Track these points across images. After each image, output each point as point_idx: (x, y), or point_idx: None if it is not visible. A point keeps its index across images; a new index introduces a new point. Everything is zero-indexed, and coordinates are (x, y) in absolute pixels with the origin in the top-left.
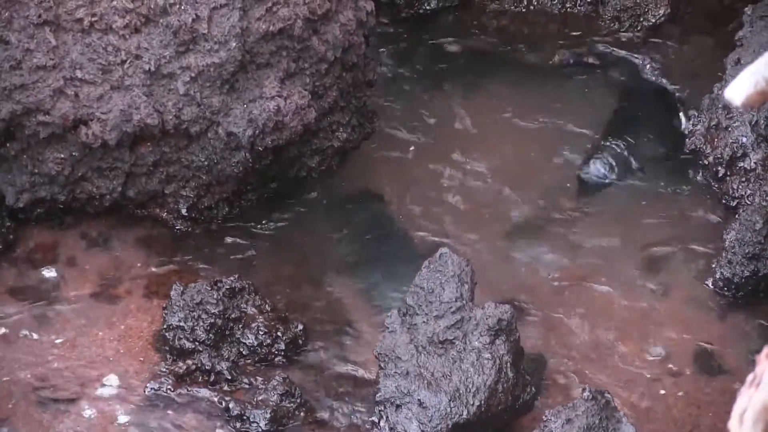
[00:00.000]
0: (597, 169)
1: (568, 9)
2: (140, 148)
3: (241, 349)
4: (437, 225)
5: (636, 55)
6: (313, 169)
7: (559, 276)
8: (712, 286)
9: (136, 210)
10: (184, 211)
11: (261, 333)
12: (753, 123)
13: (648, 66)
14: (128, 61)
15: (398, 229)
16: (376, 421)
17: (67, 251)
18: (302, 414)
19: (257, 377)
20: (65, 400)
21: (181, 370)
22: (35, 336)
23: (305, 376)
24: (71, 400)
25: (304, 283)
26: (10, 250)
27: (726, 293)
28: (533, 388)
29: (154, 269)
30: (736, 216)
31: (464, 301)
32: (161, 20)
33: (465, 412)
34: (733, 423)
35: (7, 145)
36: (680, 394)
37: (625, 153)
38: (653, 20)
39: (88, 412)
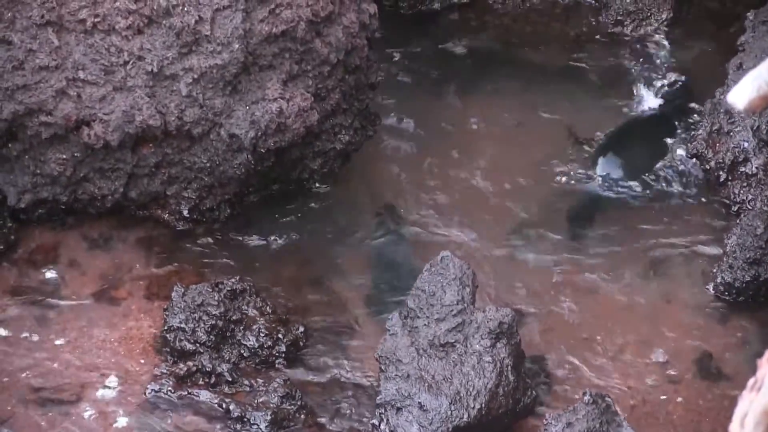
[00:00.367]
0: (603, 169)
1: (571, 11)
2: (142, 149)
3: (242, 351)
4: (439, 227)
5: (638, 59)
6: (315, 171)
7: (560, 280)
8: (713, 291)
9: (138, 211)
10: (185, 213)
11: (262, 335)
12: (755, 128)
13: (650, 69)
14: (131, 62)
15: (400, 230)
16: (377, 423)
17: (68, 252)
18: (303, 416)
19: (258, 379)
20: (65, 402)
21: (181, 372)
22: (36, 337)
23: (306, 378)
24: (71, 402)
25: (305, 285)
26: (12, 251)
27: (727, 298)
28: (534, 392)
29: (155, 270)
30: (738, 221)
31: (465, 304)
32: (164, 21)
33: (466, 415)
34: (734, 427)
35: (9, 145)
36: (681, 398)
37: (628, 155)
38: (656, 24)
39: (89, 413)
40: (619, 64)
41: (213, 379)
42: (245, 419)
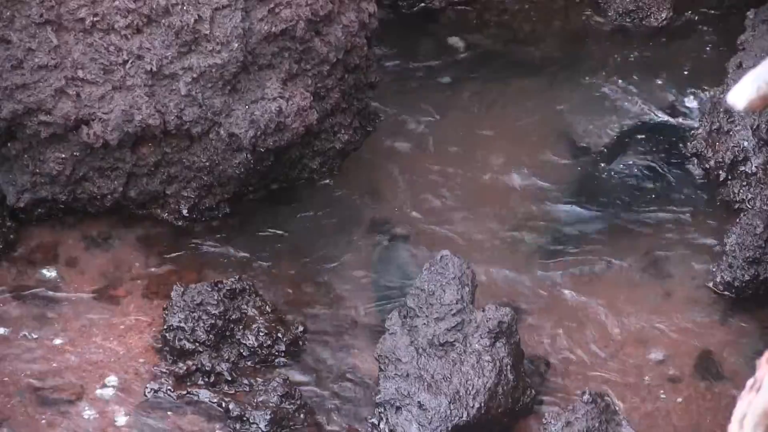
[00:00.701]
0: (617, 167)
1: (571, 9)
2: (142, 148)
3: (242, 350)
4: (440, 224)
5: (637, 57)
6: (314, 171)
7: (560, 278)
8: (712, 290)
9: (137, 210)
10: (185, 212)
11: (261, 334)
12: (754, 127)
13: (650, 68)
14: (130, 62)
15: (400, 228)
16: (376, 423)
17: (67, 251)
18: (302, 415)
19: (257, 378)
20: (65, 401)
21: (181, 371)
22: (35, 336)
23: (305, 378)
24: (71, 401)
25: (305, 283)
26: (11, 250)
27: (726, 297)
28: (533, 391)
29: (154, 269)
30: (737, 220)
31: (465, 304)
32: (163, 20)
33: (465, 415)
34: (733, 427)
35: (9, 144)
36: (680, 398)
37: (630, 153)
38: (655, 23)
39: (88, 412)
40: (618, 62)
41: (212, 379)
42: (245, 418)
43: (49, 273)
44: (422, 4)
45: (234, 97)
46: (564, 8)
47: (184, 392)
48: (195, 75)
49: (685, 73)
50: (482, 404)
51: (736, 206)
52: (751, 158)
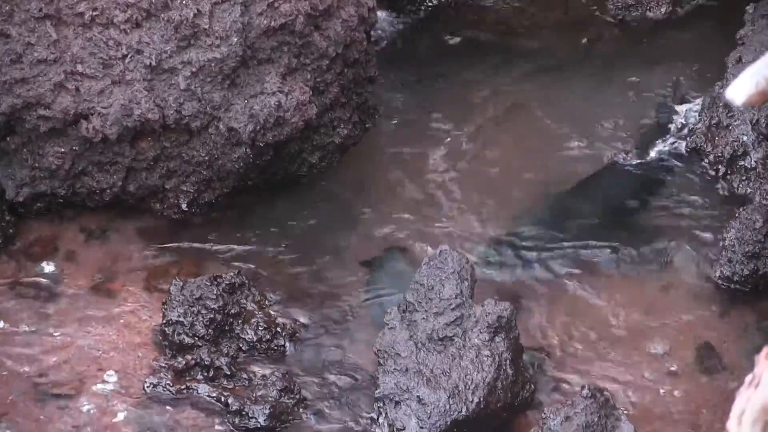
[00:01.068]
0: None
1: (570, 4)
2: (141, 142)
3: (241, 345)
4: (439, 218)
5: (637, 52)
6: (313, 165)
7: (560, 272)
8: (712, 284)
9: (136, 205)
10: (184, 206)
11: (260, 328)
12: (754, 122)
13: (649, 62)
14: (129, 56)
15: (400, 221)
16: (375, 417)
17: (66, 245)
18: (301, 410)
19: (257, 373)
20: (64, 396)
21: (180, 366)
22: (34, 330)
23: (305, 372)
24: (70, 396)
25: (305, 277)
26: (10, 244)
27: (726, 291)
28: (533, 386)
29: (153, 262)
30: (736, 215)
31: (464, 298)
32: (162, 15)
33: (464, 409)
34: (731, 423)
35: (8, 139)
36: (680, 391)
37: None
38: (655, 16)
39: (87, 407)
40: (618, 55)
41: (212, 373)
42: (244, 413)
43: (48, 267)
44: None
45: (233, 91)
46: (564, 1)
47: (183, 387)
48: (194, 69)
49: (684, 67)
50: (481, 399)
51: (735, 201)
52: (751, 153)
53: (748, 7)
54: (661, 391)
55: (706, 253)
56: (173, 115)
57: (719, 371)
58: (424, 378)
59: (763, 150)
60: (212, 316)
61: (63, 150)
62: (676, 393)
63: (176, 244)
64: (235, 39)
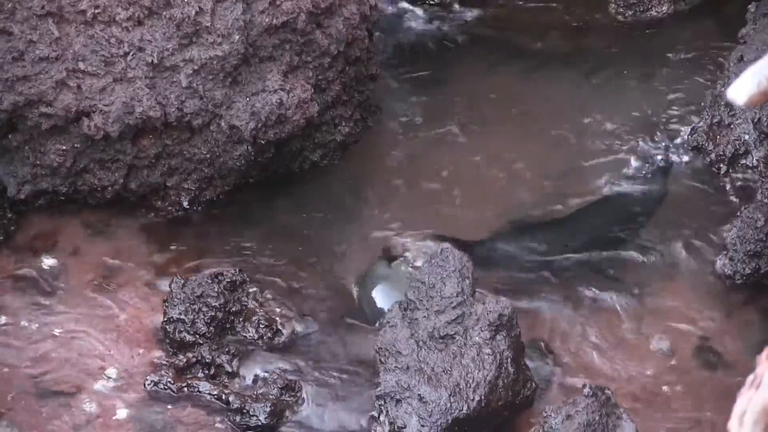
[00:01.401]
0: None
1: (572, 1)
2: (142, 140)
3: (242, 343)
4: (440, 217)
5: (639, 49)
6: (315, 163)
7: (561, 271)
8: (714, 283)
9: (138, 202)
10: (185, 204)
11: (261, 326)
12: (755, 120)
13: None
14: (131, 54)
15: (401, 217)
16: (376, 415)
17: (68, 240)
18: (302, 408)
19: (258, 371)
20: (65, 393)
21: (181, 363)
22: (35, 326)
23: (306, 370)
24: (71, 393)
25: (307, 273)
26: (11, 238)
27: (728, 289)
28: (534, 384)
29: (154, 259)
30: (738, 213)
31: (465, 296)
32: (164, 13)
33: (465, 408)
34: (732, 424)
35: (9, 136)
36: (681, 387)
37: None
38: (656, 14)
39: (88, 405)
40: (619, 54)
41: (212, 371)
42: (245, 411)
43: (50, 262)
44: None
45: (235, 89)
46: (564, 1)
47: (184, 384)
48: (196, 67)
49: (686, 65)
50: (482, 397)
51: (738, 199)
52: (752, 151)
53: (750, 6)
54: (663, 385)
55: (708, 252)
56: (175, 113)
57: (721, 369)
58: (425, 376)
59: (765, 149)
60: (213, 313)
61: (64, 147)
62: (677, 388)
63: (177, 241)
64: (237, 37)
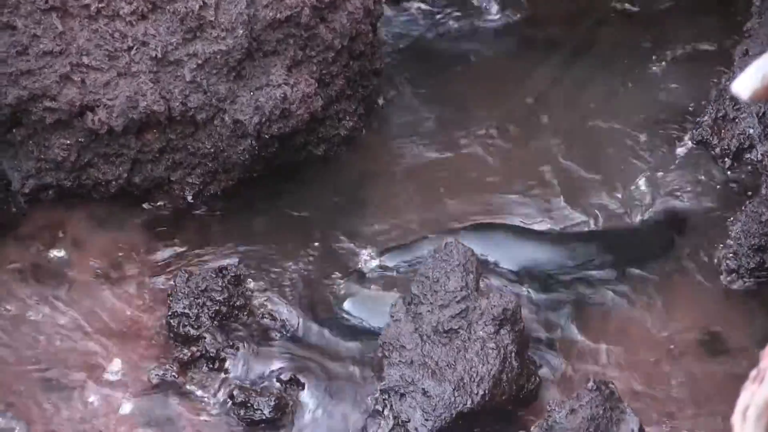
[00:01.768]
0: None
1: None
2: (146, 134)
3: (246, 337)
4: (447, 205)
5: (642, 41)
6: (319, 158)
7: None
8: (718, 277)
9: (142, 196)
10: (190, 198)
11: (266, 320)
12: (760, 114)
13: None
14: (135, 48)
15: (408, 206)
16: (380, 409)
17: (74, 231)
18: (306, 401)
19: (261, 365)
20: (70, 386)
21: (185, 357)
22: (41, 318)
23: (310, 364)
24: (76, 387)
25: (310, 269)
26: (18, 229)
27: (732, 284)
28: (538, 378)
29: (158, 253)
30: (742, 207)
31: (469, 291)
32: (168, 7)
33: (469, 402)
34: (736, 419)
35: (13, 130)
36: (685, 383)
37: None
38: (661, 6)
39: (93, 398)
40: (622, 46)
41: (217, 365)
42: (249, 405)
43: (56, 254)
44: None
45: (239, 83)
46: None
47: (188, 378)
48: (200, 61)
49: (691, 59)
50: (486, 391)
51: (742, 193)
52: (757, 146)
53: (755, 0)
54: (666, 377)
55: (712, 246)
56: (179, 107)
57: (724, 363)
58: (429, 370)
59: None
60: (218, 308)
61: (69, 142)
62: (681, 379)
63: (181, 235)
64: (241, 31)
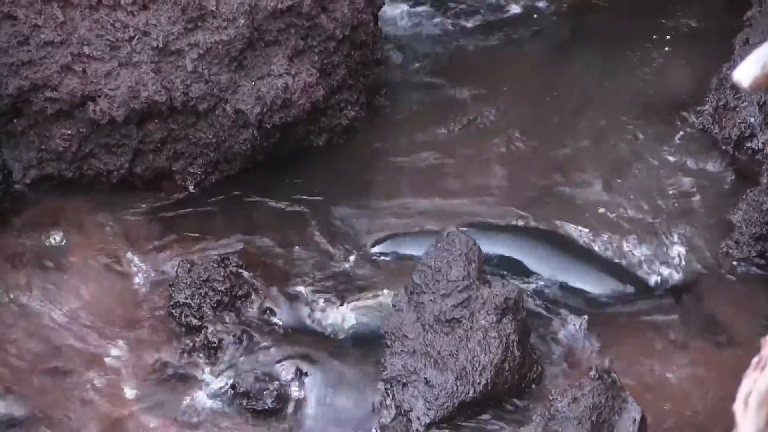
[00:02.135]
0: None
1: None
2: (148, 124)
3: (248, 326)
4: (451, 195)
5: (642, 30)
6: (321, 148)
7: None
8: (719, 266)
9: (144, 186)
10: (191, 189)
11: (268, 310)
12: (761, 103)
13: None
14: (136, 38)
15: (403, 205)
16: (383, 399)
17: (74, 218)
18: (308, 391)
19: (263, 354)
20: (72, 372)
21: (187, 347)
22: (42, 304)
23: (312, 353)
24: (78, 372)
25: (312, 251)
26: (17, 216)
27: (732, 273)
28: (540, 367)
29: (160, 242)
30: (743, 196)
31: (471, 280)
32: None
33: (471, 391)
34: (737, 406)
35: (15, 121)
36: (687, 370)
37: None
38: None
39: (95, 384)
40: (622, 34)
41: (218, 355)
42: (251, 395)
43: (56, 241)
44: None
45: (240, 73)
46: None
47: (191, 368)
48: (201, 51)
49: (691, 47)
50: (489, 380)
51: (743, 182)
52: (758, 134)
53: None
54: (669, 370)
55: (713, 235)
56: (180, 97)
57: (726, 350)
58: (432, 360)
59: None
60: (219, 298)
61: (70, 132)
62: (683, 372)
63: (183, 225)
64: (242, 21)
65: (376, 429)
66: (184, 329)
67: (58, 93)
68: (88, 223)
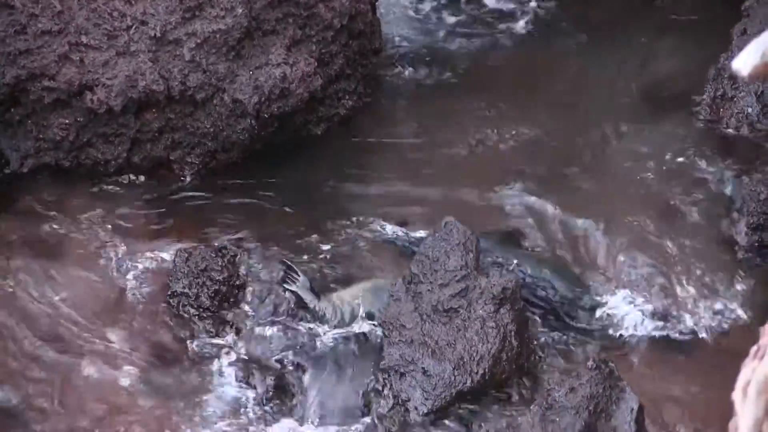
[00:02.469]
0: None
1: None
2: (145, 114)
3: (245, 315)
4: (449, 182)
5: (641, 22)
6: (319, 137)
7: (572, 238)
8: (717, 255)
9: (141, 175)
10: (189, 177)
11: (265, 299)
12: (759, 93)
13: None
14: (134, 27)
15: (401, 195)
16: (380, 389)
17: (72, 207)
18: (306, 380)
19: (262, 343)
20: (70, 359)
21: (185, 336)
22: (40, 292)
23: (310, 342)
24: (76, 359)
25: (310, 239)
26: (16, 205)
27: (731, 262)
28: (537, 357)
29: (158, 230)
30: (742, 186)
31: (469, 270)
32: None
33: (469, 381)
34: (736, 395)
35: (12, 110)
36: (685, 359)
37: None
38: None
39: (93, 371)
40: (622, 26)
41: (217, 344)
42: (249, 383)
43: (53, 228)
44: None
45: (238, 62)
46: None
47: (188, 357)
48: (199, 41)
49: (690, 38)
50: (486, 370)
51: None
52: (755, 124)
53: None
54: (667, 359)
55: (710, 226)
56: (178, 87)
57: (724, 340)
58: (429, 349)
59: None
60: (217, 287)
61: (67, 121)
62: (682, 361)
63: (181, 214)
64: (240, 10)
65: (373, 418)
66: (181, 319)
67: (56, 82)
68: (85, 212)
